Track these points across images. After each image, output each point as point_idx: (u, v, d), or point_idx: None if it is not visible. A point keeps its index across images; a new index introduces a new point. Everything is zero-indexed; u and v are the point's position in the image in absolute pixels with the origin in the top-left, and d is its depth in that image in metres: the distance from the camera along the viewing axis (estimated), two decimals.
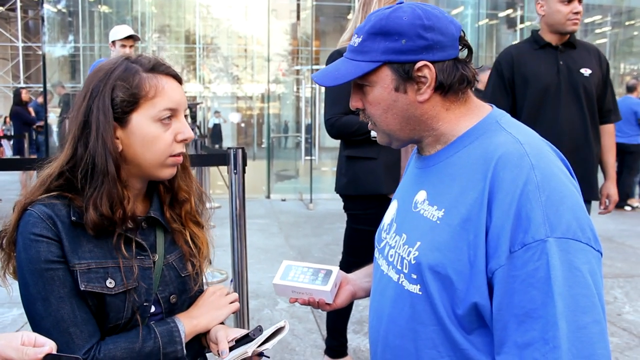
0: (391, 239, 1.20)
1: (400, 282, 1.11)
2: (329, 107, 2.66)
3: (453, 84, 1.07)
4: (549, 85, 2.77)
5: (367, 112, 1.15)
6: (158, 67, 1.18)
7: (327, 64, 2.67)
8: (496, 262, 0.96)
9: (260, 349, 1.16)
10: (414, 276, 1.07)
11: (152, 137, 1.16)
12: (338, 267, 1.38)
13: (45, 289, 1.10)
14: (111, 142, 1.13)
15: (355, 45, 1.11)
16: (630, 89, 8.70)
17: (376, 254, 1.29)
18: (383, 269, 1.21)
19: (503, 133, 1.06)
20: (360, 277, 1.46)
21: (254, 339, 1.19)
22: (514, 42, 3.06)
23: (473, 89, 1.14)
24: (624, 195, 8.63)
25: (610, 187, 2.98)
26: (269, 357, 1.23)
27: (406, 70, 1.06)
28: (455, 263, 1.00)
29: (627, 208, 8.56)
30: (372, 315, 1.25)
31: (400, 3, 1.11)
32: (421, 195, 1.14)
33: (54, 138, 10.19)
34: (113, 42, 4.41)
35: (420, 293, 1.06)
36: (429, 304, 1.04)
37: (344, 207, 2.83)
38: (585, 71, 2.80)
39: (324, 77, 1.16)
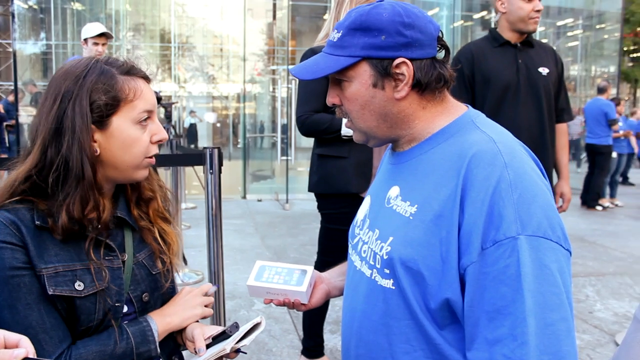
0: (364, 234, 1.20)
1: (373, 278, 1.11)
2: (301, 105, 2.66)
3: (430, 83, 1.08)
4: (509, 84, 2.78)
5: (344, 109, 1.15)
6: (133, 70, 1.19)
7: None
8: (468, 258, 0.96)
9: (238, 346, 1.15)
10: (387, 271, 1.07)
11: (132, 140, 1.16)
12: (312, 267, 1.37)
13: (11, 297, 1.07)
14: (89, 146, 1.11)
15: (335, 40, 1.11)
16: (601, 91, 8.85)
17: (350, 250, 1.29)
18: (356, 264, 1.21)
19: (478, 132, 1.07)
20: (334, 276, 1.46)
21: (231, 335, 1.18)
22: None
23: (450, 88, 1.14)
24: (595, 196, 8.80)
25: (564, 185, 3.02)
26: (246, 353, 1.22)
27: (384, 66, 1.06)
28: (427, 259, 1.00)
29: (599, 208, 8.71)
30: (345, 311, 1.25)
31: (380, 0, 1.11)
32: (394, 191, 1.14)
33: (26, 137, 10.00)
34: (85, 39, 4.34)
35: (393, 288, 1.06)
36: (402, 298, 1.05)
37: (318, 207, 2.84)
38: (544, 70, 2.82)
39: (302, 70, 1.16)
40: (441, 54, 1.11)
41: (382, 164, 1.35)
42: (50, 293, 1.08)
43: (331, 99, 1.16)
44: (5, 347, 0.84)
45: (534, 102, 2.80)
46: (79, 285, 1.11)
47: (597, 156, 8.70)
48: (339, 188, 2.64)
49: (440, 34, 1.10)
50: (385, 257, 1.07)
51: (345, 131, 2.57)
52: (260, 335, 3.83)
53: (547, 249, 0.94)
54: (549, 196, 1.00)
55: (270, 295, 1.35)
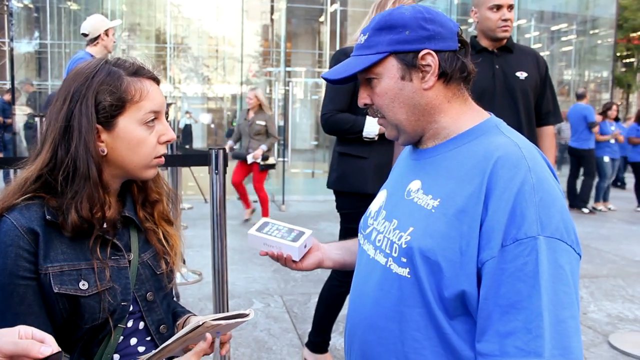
0: (379, 224, 1.25)
1: (388, 266, 1.15)
2: (326, 104, 2.75)
3: (455, 72, 1.15)
4: (485, 90, 2.82)
5: (375, 106, 1.20)
6: (141, 71, 1.20)
7: (330, 64, 2.75)
8: (488, 253, 1.01)
9: (215, 323, 1.12)
10: (404, 260, 1.11)
11: (139, 141, 1.18)
12: (311, 231, 1.45)
13: (3, 303, 1.08)
14: (94, 147, 1.13)
15: (362, 42, 1.19)
16: (580, 97, 9.21)
17: (361, 240, 1.33)
18: (369, 253, 1.24)
19: (502, 136, 1.13)
20: (332, 248, 1.53)
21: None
22: None
23: (470, 84, 1.21)
24: (585, 198, 8.93)
25: None
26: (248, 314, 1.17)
27: (411, 58, 1.13)
28: (446, 251, 1.05)
29: (585, 210, 8.85)
30: (353, 298, 1.28)
31: None
32: (415, 184, 1.19)
33: (21, 137, 9.99)
34: (106, 31, 4.39)
35: (409, 276, 1.10)
36: (416, 286, 1.09)
37: (337, 206, 2.89)
38: (521, 74, 2.85)
39: (333, 73, 1.23)
40: (462, 52, 1.18)
41: (399, 161, 1.39)
42: (55, 291, 1.09)
43: (362, 99, 1.22)
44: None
45: (510, 105, 2.83)
46: (83, 284, 1.12)
47: (580, 159, 8.97)
48: (356, 187, 2.71)
49: (459, 31, 1.17)
50: (404, 246, 1.11)
51: (367, 133, 2.66)
52: (260, 333, 3.81)
53: (563, 251, 1.00)
54: (564, 202, 1.06)
55: (267, 247, 1.43)
